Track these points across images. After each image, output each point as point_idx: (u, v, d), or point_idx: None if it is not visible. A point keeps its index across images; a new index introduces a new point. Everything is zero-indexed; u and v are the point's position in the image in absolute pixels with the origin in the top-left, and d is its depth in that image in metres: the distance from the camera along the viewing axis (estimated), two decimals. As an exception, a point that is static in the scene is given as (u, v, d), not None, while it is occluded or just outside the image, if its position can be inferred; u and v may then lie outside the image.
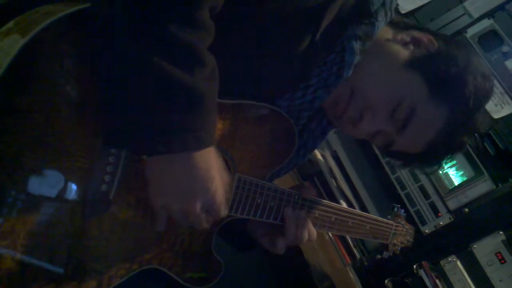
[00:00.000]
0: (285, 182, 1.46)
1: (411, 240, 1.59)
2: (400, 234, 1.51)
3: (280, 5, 0.94)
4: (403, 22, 1.17)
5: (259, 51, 0.99)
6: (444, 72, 1.06)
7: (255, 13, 0.94)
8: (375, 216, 1.39)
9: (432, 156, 1.18)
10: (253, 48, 0.99)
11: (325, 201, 1.22)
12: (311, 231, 1.18)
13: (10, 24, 0.80)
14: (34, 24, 0.77)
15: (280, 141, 1.11)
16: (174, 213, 0.94)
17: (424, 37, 1.10)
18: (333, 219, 1.23)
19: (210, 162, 0.91)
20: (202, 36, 0.82)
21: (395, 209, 1.51)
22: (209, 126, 0.87)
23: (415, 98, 1.06)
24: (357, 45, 1.03)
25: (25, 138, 0.79)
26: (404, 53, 1.09)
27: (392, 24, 1.14)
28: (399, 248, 1.54)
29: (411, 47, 1.09)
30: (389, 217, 1.50)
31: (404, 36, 1.10)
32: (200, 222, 0.97)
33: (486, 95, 1.12)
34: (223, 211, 0.99)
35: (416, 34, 1.10)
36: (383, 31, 1.11)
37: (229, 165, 1.06)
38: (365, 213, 1.35)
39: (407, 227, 1.55)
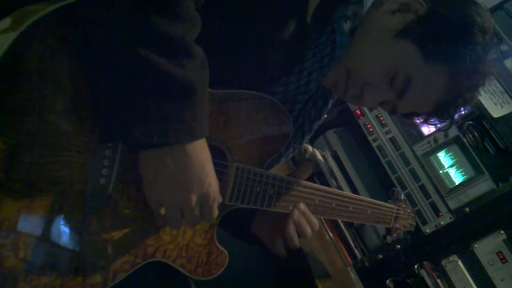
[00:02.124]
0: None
1: (414, 223, 1.59)
2: (402, 218, 1.51)
3: None
4: None
5: (250, 37, 1.00)
6: (434, 34, 1.05)
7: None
8: (376, 201, 1.39)
9: (446, 112, 1.17)
10: (243, 35, 0.99)
11: (325, 187, 1.22)
12: (313, 224, 1.19)
13: (8, 20, 0.80)
14: (21, 22, 0.78)
15: (276, 129, 1.12)
16: (168, 208, 0.94)
17: (412, 1, 1.08)
18: (333, 205, 1.23)
19: (204, 155, 0.92)
20: (188, 27, 0.82)
21: (395, 193, 1.51)
22: (201, 118, 0.87)
23: (410, 66, 1.06)
24: (346, 26, 1.04)
25: (19, 135, 0.79)
26: (393, 22, 1.07)
27: None
28: (402, 232, 1.53)
29: (399, 14, 1.08)
30: (389, 201, 1.50)
31: (391, 4, 1.09)
32: (194, 217, 0.97)
33: (487, 48, 1.09)
34: (216, 210, 1.00)
35: None
36: (371, 3, 1.10)
37: (226, 155, 1.06)
38: (366, 198, 1.35)
39: (408, 210, 1.55)
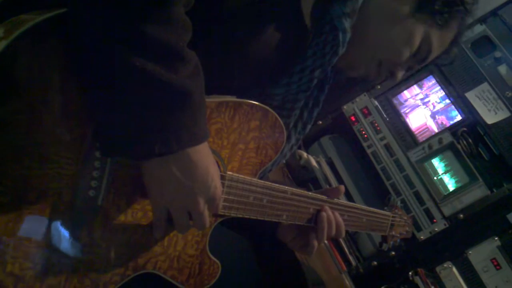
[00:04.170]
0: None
1: (410, 230, 1.58)
2: (398, 225, 1.50)
3: None
4: None
5: (246, 42, 1.00)
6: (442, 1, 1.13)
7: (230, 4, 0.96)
8: (372, 208, 1.38)
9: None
10: (240, 40, 0.99)
11: (318, 195, 1.22)
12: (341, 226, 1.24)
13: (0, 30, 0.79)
14: (12, 32, 0.76)
15: (269, 137, 1.11)
16: (177, 213, 0.95)
17: None
18: None
19: (207, 159, 0.92)
20: (179, 32, 0.82)
21: (392, 200, 1.50)
22: (200, 122, 0.87)
23: (430, 36, 1.16)
24: (347, 23, 1.06)
25: (7, 148, 0.78)
26: (405, 2, 1.13)
27: None
28: (398, 239, 1.52)
29: None
30: (385, 208, 1.49)
31: None
32: (204, 220, 0.97)
33: None
34: (220, 206, 1.02)
35: None
36: None
37: (219, 165, 1.05)
38: (361, 206, 1.34)
39: (405, 217, 1.54)
